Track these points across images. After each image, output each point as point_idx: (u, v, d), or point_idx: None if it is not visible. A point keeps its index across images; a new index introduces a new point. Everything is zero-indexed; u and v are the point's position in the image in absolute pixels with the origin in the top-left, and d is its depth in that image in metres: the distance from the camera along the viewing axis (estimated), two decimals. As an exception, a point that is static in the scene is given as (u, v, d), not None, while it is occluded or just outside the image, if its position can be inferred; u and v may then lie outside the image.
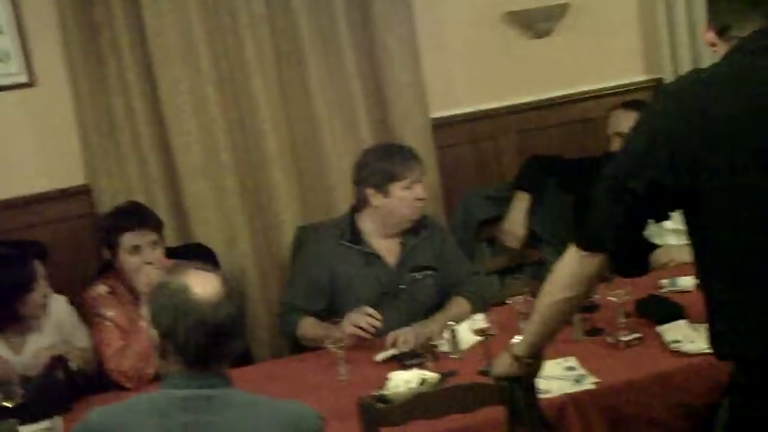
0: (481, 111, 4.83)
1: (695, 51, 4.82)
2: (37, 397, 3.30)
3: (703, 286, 2.38)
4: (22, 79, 4.23)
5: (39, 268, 3.59)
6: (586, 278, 2.39)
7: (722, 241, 2.26)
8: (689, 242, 2.37)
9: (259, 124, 4.38)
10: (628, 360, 3.15)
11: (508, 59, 4.83)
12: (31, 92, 4.26)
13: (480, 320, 3.41)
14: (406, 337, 3.43)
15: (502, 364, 2.60)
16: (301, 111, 4.47)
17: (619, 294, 3.32)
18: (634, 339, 3.24)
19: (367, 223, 3.83)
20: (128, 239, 3.67)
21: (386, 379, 2.98)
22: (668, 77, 4.81)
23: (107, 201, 4.22)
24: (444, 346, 3.42)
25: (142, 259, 3.66)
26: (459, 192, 4.71)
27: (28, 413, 3.24)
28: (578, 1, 4.85)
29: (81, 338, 3.75)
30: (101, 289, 3.72)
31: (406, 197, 3.75)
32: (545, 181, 4.51)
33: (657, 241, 4.13)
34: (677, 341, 3.15)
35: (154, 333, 2.32)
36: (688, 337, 3.16)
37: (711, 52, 2.40)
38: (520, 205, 4.44)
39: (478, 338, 3.32)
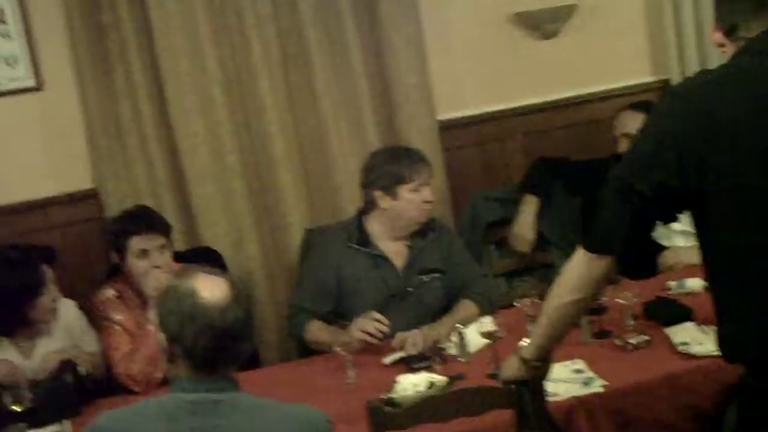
0: (487, 113, 4.82)
1: (702, 52, 4.81)
2: (45, 401, 3.30)
3: (711, 287, 2.38)
4: (30, 83, 4.24)
5: (48, 272, 3.60)
6: (594, 280, 2.39)
7: (729, 242, 2.25)
8: (697, 244, 2.36)
9: (265, 126, 4.38)
10: (636, 362, 3.15)
11: (515, 60, 4.83)
12: (39, 96, 4.27)
13: (488, 323, 3.40)
14: (414, 340, 3.43)
15: (510, 367, 2.60)
16: (308, 113, 4.48)
17: (626, 296, 3.32)
18: (642, 341, 3.24)
19: (374, 226, 3.83)
20: (136, 243, 3.67)
21: (394, 382, 2.98)
22: (675, 78, 4.81)
23: (115, 205, 4.23)
24: (452, 349, 3.42)
25: (150, 263, 3.66)
26: (466, 194, 4.70)
27: (36, 417, 3.24)
28: (585, 2, 4.84)
29: (90, 343, 3.75)
30: (109, 293, 3.72)
31: (414, 200, 3.75)
32: (552, 183, 4.50)
33: (665, 242, 4.12)
34: (685, 343, 3.14)
35: (162, 337, 2.32)
36: (696, 339, 3.16)
37: (718, 52, 2.40)
38: (529, 209, 4.43)
39: (486, 341, 3.32)
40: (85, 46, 4.20)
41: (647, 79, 5.00)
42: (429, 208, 3.80)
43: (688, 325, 3.28)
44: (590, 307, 2.93)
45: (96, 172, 4.31)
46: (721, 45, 2.37)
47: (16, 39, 4.19)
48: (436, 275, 3.84)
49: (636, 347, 3.22)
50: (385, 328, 3.50)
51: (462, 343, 3.39)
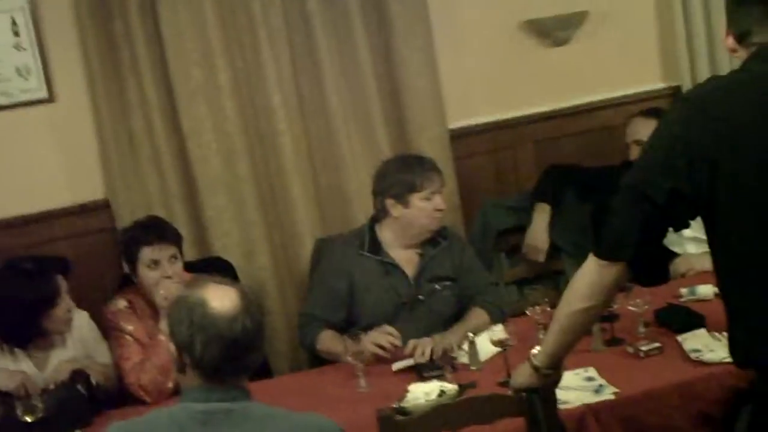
0: (498, 121, 4.82)
1: (714, 58, 4.80)
2: (57, 412, 3.30)
3: (722, 293, 2.38)
4: (42, 94, 4.25)
5: (62, 283, 3.61)
6: (606, 288, 2.39)
7: (741, 248, 2.25)
8: (709, 250, 2.36)
9: (277, 137, 4.39)
10: (647, 370, 3.14)
11: (525, 68, 4.83)
12: (51, 108, 4.29)
13: (499, 331, 3.40)
14: (424, 349, 3.43)
15: (522, 375, 2.60)
16: (319, 123, 4.49)
17: (638, 303, 3.31)
18: (654, 348, 3.23)
19: (386, 234, 3.83)
20: (147, 253, 3.67)
21: (405, 391, 2.98)
22: (687, 85, 4.81)
23: (127, 215, 4.24)
24: (463, 358, 3.42)
25: (161, 273, 3.66)
26: (477, 202, 4.70)
27: (48, 427, 3.24)
28: (596, 9, 4.84)
29: (103, 354, 3.76)
30: (121, 303, 3.73)
31: (426, 208, 3.75)
32: (564, 191, 4.49)
33: (676, 249, 4.11)
34: (697, 350, 3.13)
35: (173, 347, 2.33)
36: (708, 346, 3.15)
37: (729, 59, 2.40)
38: (541, 217, 4.42)
39: (497, 349, 3.31)
40: (97, 58, 4.21)
41: (658, 85, 5.00)
42: (440, 216, 3.80)
43: (700, 332, 3.27)
44: (602, 314, 2.93)
45: (108, 183, 4.32)
46: (734, 50, 2.36)
47: (28, 50, 4.21)
48: (447, 283, 3.84)
49: (648, 354, 3.21)
50: (397, 342, 3.50)
51: (473, 351, 3.39)
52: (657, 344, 3.24)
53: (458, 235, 4.11)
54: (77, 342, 3.71)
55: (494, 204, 4.67)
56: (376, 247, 3.81)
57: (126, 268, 3.79)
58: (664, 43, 4.99)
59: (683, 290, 3.72)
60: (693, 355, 3.11)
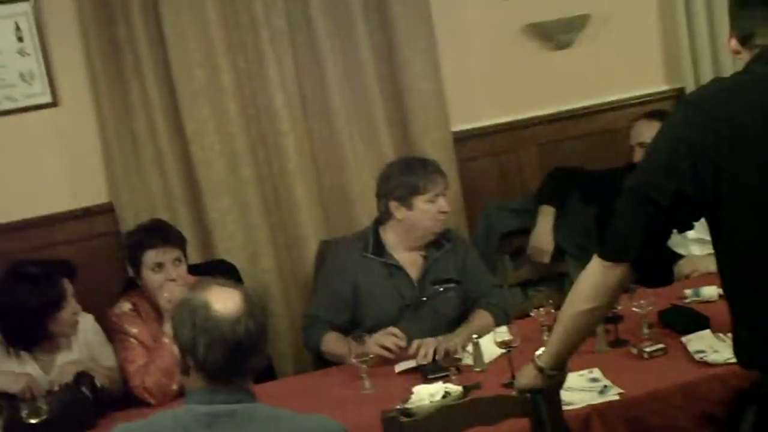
0: (502, 123, 4.83)
1: (717, 60, 4.80)
2: (62, 414, 3.30)
3: (727, 293, 2.38)
4: (46, 99, 4.27)
5: (68, 286, 3.61)
6: (610, 289, 2.38)
7: (745, 249, 2.25)
8: (713, 251, 2.36)
9: (280, 139, 4.40)
10: (652, 371, 3.13)
11: (528, 71, 4.83)
12: (55, 112, 4.30)
13: (503, 333, 3.38)
14: (427, 350, 3.43)
15: (526, 376, 2.60)
16: (323, 126, 4.49)
17: (642, 305, 3.32)
18: (658, 350, 3.22)
19: (390, 236, 3.84)
20: (151, 256, 3.68)
21: (410, 392, 2.98)
22: (690, 87, 4.80)
23: (130, 219, 4.24)
24: (467, 359, 3.42)
25: (165, 276, 3.66)
26: (481, 205, 4.71)
27: (52, 430, 3.25)
28: (599, 12, 4.85)
29: (108, 357, 3.75)
30: (125, 306, 3.74)
31: (430, 210, 3.76)
32: (568, 193, 4.49)
33: (681, 251, 4.11)
34: (701, 351, 3.13)
35: (176, 349, 2.33)
36: (713, 347, 3.14)
37: (732, 61, 2.41)
38: (546, 219, 4.42)
39: (502, 351, 3.31)
40: (101, 62, 4.22)
41: (661, 88, 5.00)
42: (444, 219, 3.81)
43: (704, 334, 3.26)
44: (606, 315, 2.93)
45: (112, 186, 4.33)
46: (737, 52, 2.36)
47: (32, 55, 4.22)
48: (451, 285, 3.84)
49: (652, 356, 3.21)
50: (402, 344, 3.50)
51: (477, 352, 3.39)
52: (661, 345, 3.23)
53: (462, 238, 4.11)
54: (83, 345, 3.72)
55: (498, 206, 4.67)
56: (380, 249, 3.82)
57: (130, 272, 3.79)
58: (666, 45, 4.99)
59: (687, 291, 3.71)
60: (697, 356, 3.11)
